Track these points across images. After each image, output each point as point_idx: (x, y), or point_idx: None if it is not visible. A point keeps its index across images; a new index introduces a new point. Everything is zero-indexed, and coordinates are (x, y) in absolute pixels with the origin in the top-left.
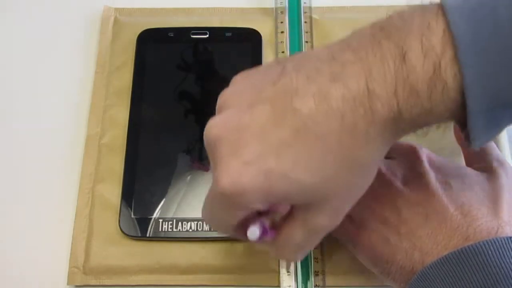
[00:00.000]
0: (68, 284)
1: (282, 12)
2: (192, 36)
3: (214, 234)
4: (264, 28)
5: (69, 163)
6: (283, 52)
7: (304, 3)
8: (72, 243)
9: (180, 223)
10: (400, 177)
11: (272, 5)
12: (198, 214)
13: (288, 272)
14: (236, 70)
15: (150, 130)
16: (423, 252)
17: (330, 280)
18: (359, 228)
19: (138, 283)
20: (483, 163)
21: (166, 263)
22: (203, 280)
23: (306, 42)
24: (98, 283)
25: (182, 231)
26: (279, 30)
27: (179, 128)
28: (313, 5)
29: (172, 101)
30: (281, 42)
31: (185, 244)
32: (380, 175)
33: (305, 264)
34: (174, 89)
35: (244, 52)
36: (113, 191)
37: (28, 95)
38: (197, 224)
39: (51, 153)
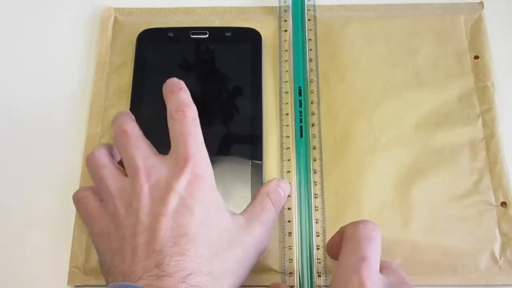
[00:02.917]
0: (68, 284)
1: (286, 11)
2: (191, 36)
3: None
4: (265, 27)
5: (69, 163)
6: (286, 50)
7: (308, 0)
8: (72, 243)
9: None
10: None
11: (273, 4)
12: None
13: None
14: (235, 70)
15: (150, 130)
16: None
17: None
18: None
19: None
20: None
21: None
22: None
23: (310, 39)
24: (98, 283)
25: None
26: (283, 29)
27: None
28: (315, 3)
29: None
30: (284, 40)
31: None
32: None
33: (307, 265)
34: None
35: (244, 52)
36: None
37: (28, 95)
38: None
39: (51, 153)
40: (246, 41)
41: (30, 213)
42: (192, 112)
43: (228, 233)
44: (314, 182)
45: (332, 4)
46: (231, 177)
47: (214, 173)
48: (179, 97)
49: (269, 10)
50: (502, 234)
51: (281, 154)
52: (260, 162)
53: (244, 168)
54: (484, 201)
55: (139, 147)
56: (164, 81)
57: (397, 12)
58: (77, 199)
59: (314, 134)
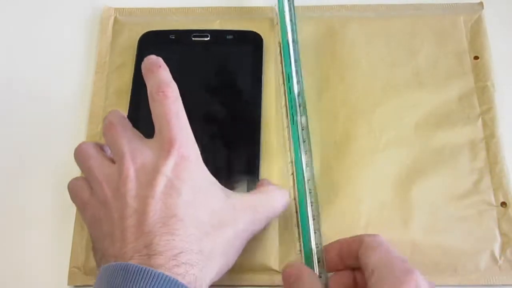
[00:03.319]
0: (68, 284)
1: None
2: (193, 38)
3: None
4: (265, 27)
5: (69, 163)
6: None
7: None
8: (72, 243)
9: None
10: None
11: (272, 4)
12: None
13: None
14: (237, 72)
15: (150, 131)
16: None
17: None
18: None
19: None
20: None
21: None
22: None
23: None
24: None
25: None
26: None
27: None
28: (315, 3)
29: None
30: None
31: None
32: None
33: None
34: None
35: (245, 55)
36: None
37: (28, 95)
38: None
39: (51, 153)
40: (248, 44)
41: (30, 213)
42: (173, 92)
43: (219, 212)
44: (306, 164)
45: (332, 4)
46: (229, 175)
47: (211, 169)
48: (159, 76)
49: (269, 10)
50: (502, 234)
51: (284, 151)
52: (258, 165)
53: (242, 169)
54: (484, 201)
55: (125, 136)
56: None
57: (397, 12)
58: (72, 188)
59: (301, 113)
